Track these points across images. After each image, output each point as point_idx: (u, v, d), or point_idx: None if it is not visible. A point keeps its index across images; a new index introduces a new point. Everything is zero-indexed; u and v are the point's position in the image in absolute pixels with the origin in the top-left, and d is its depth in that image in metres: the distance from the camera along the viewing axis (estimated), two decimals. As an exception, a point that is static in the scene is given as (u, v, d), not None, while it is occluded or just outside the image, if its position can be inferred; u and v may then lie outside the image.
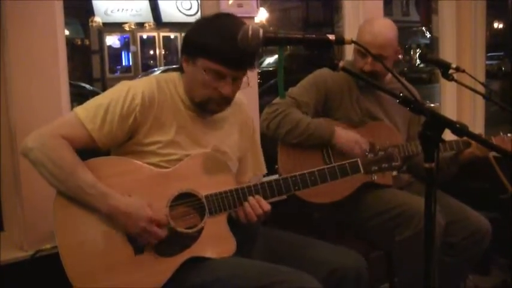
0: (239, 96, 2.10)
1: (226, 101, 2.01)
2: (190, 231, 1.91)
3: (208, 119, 2.07)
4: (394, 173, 2.23)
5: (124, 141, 1.95)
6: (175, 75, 2.06)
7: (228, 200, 1.96)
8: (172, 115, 1.99)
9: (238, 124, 2.18)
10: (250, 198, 1.98)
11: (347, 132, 2.62)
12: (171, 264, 1.87)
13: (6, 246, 2.46)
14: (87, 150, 1.95)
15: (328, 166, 2.13)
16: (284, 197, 2.12)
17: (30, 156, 1.85)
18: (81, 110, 1.91)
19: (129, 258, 1.84)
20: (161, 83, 2.00)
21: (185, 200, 1.93)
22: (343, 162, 2.15)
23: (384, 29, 2.67)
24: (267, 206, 1.99)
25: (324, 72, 2.74)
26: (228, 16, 2.00)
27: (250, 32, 1.60)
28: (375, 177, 2.18)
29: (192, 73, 1.97)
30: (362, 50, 2.61)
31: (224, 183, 1.99)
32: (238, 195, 1.98)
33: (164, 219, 1.86)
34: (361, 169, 2.15)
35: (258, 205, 1.98)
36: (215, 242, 1.94)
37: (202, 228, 1.92)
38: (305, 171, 2.08)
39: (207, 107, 2.01)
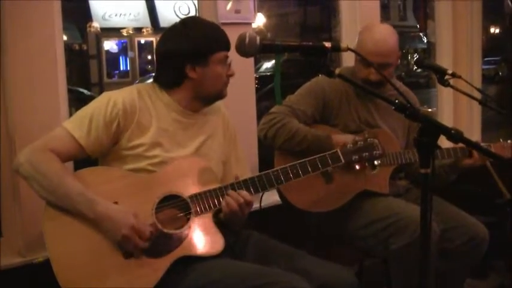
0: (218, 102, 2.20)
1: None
2: (177, 231, 1.94)
3: (192, 123, 2.13)
4: (377, 162, 2.22)
5: (110, 146, 2.02)
6: (154, 84, 2.14)
7: (212, 199, 2.00)
8: (154, 119, 2.05)
9: (220, 128, 2.24)
10: (230, 191, 2.02)
11: (345, 138, 2.54)
12: (160, 265, 1.90)
13: (5, 252, 2.46)
14: (77, 160, 2.07)
15: (309, 158, 2.13)
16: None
17: (21, 171, 1.92)
18: (68, 123, 2.02)
19: (118, 261, 1.88)
20: (141, 90, 2.09)
21: (171, 202, 1.97)
22: (323, 154, 2.16)
23: (386, 36, 2.64)
24: (248, 197, 2.02)
25: (321, 80, 2.73)
26: (194, 17, 2.25)
27: (247, 40, 1.62)
28: (357, 167, 2.18)
29: (206, 74, 2.07)
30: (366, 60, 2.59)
31: (208, 185, 2.03)
32: (222, 193, 2.02)
33: (147, 231, 1.88)
34: (342, 159, 2.16)
35: (237, 194, 2.01)
36: (203, 240, 1.98)
37: (189, 228, 1.96)
38: (287, 165, 2.10)
39: (222, 94, 2.15)
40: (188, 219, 1.97)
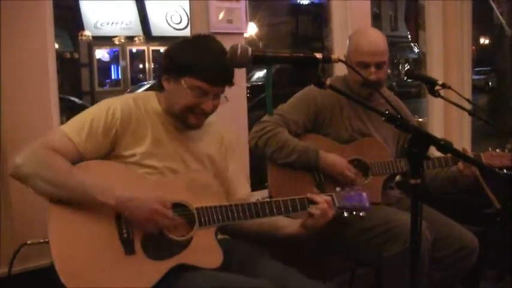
0: (212, 116, 2.17)
1: (205, 116, 2.11)
2: (180, 238, 1.97)
3: (184, 135, 2.14)
4: (363, 213, 2.28)
5: (106, 153, 2.02)
6: (151, 93, 2.17)
7: (217, 215, 2.03)
8: (149, 129, 2.07)
9: (213, 142, 2.25)
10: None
11: (332, 157, 2.62)
12: (159, 268, 1.92)
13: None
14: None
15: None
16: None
17: (21, 172, 1.86)
18: (66, 127, 2.00)
19: (118, 257, 1.88)
20: (137, 100, 2.11)
21: (177, 209, 1.99)
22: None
23: (379, 36, 2.74)
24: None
25: (313, 89, 2.73)
26: (208, 37, 2.14)
27: (239, 51, 1.63)
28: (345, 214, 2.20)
29: (175, 90, 2.06)
30: (364, 61, 2.65)
31: (214, 200, 2.07)
32: (227, 211, 2.05)
33: (169, 203, 1.94)
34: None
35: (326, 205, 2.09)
36: (203, 252, 2.00)
37: (191, 238, 1.99)
38: (295, 197, 2.12)
39: (187, 120, 2.09)
40: (191, 230, 2.00)
